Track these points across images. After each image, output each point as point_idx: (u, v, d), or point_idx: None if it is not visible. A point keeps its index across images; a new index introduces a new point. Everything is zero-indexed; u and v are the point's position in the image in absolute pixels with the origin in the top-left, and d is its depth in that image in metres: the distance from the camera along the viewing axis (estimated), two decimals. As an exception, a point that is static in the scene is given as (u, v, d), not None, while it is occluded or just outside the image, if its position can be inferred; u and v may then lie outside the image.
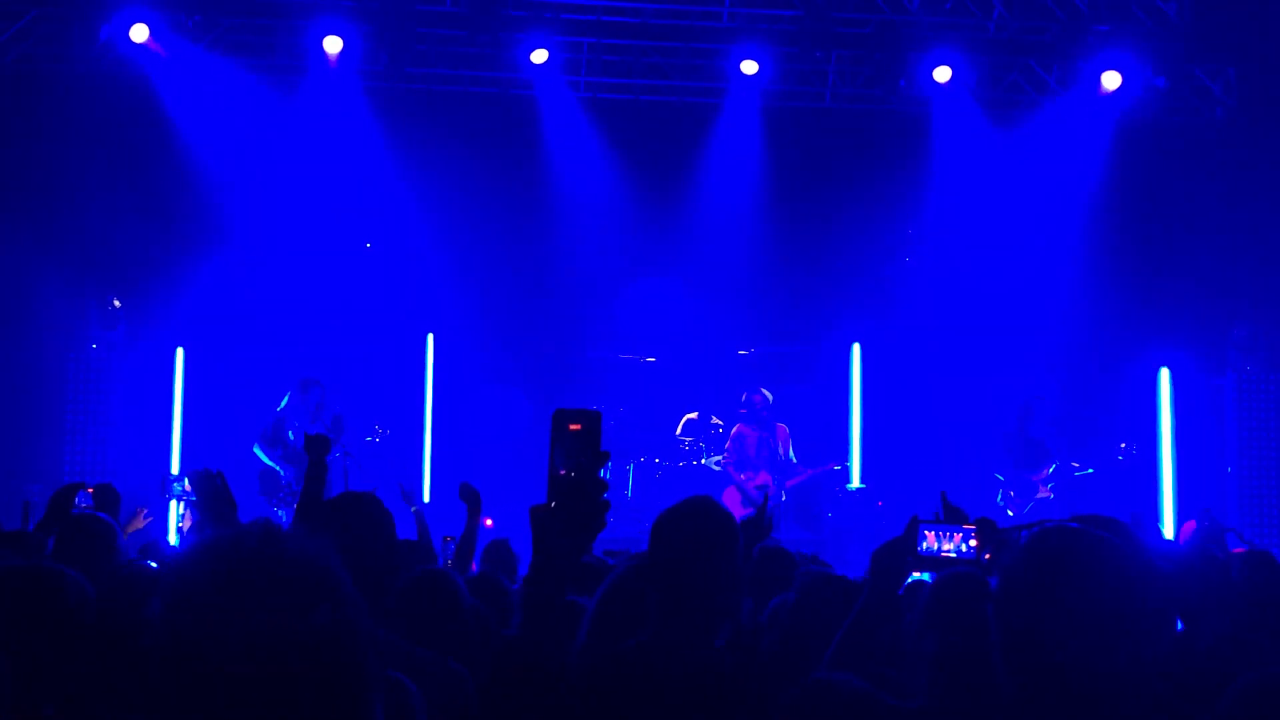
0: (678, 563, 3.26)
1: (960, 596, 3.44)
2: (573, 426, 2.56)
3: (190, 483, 4.58)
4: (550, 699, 2.46)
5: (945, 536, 3.88)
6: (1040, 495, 12.27)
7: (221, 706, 1.68)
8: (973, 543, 3.97)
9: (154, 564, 4.56)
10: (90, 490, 6.80)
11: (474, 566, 6.77)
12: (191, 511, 10.69)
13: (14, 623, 3.09)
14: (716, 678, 3.15)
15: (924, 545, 3.85)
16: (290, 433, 11.87)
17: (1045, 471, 12.29)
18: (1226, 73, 13.93)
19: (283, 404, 11.98)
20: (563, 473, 2.51)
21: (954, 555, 3.94)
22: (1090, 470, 12.41)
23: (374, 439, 12.03)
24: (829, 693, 3.04)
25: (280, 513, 11.66)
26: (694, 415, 13.72)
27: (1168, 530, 13.10)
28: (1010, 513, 12.25)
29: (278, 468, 11.84)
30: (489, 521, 12.47)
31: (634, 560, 3.82)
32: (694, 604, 3.23)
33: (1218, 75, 13.98)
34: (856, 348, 14.13)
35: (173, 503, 11.56)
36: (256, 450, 11.89)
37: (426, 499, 13.45)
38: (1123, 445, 12.54)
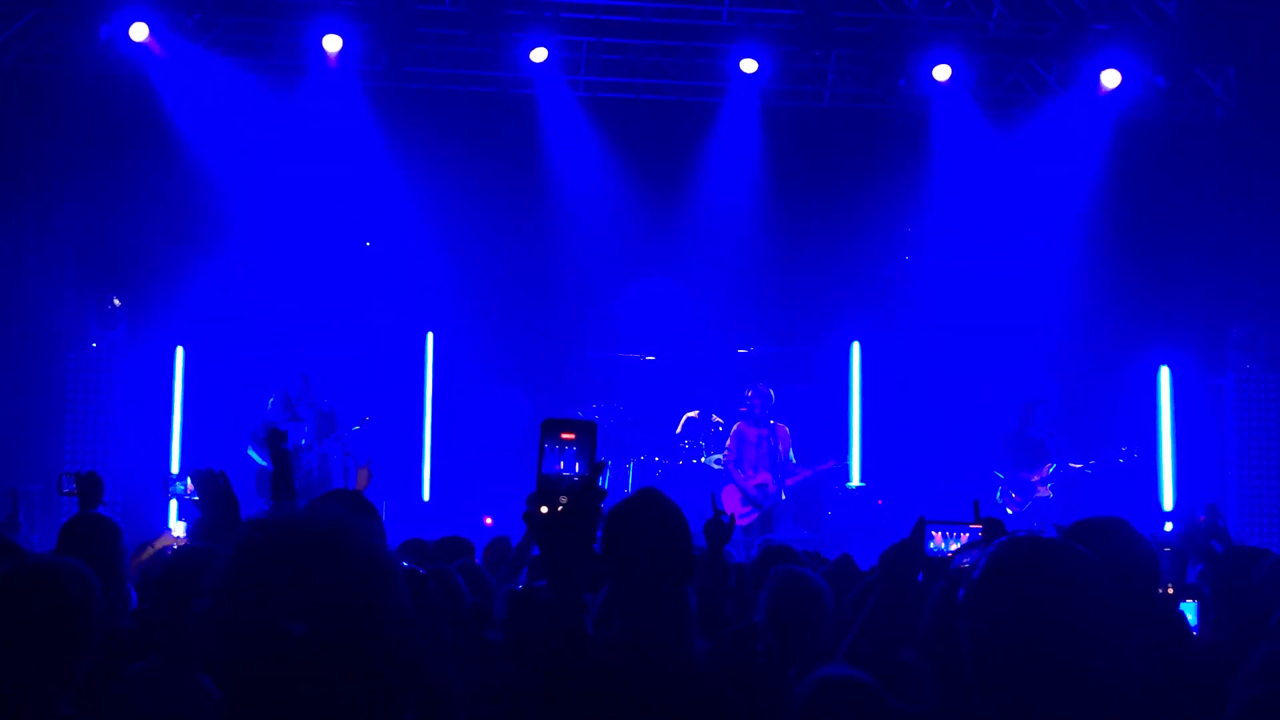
0: (631, 558, 3.24)
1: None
2: (565, 435, 2.57)
3: (193, 482, 4.57)
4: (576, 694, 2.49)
5: (952, 537, 3.89)
6: (1039, 494, 12.27)
7: (270, 674, 1.73)
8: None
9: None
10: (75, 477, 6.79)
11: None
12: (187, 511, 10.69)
13: (20, 623, 3.10)
14: (680, 673, 3.14)
15: (931, 545, 3.86)
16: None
17: (1045, 471, 12.29)
18: (1226, 72, 13.93)
19: (270, 403, 12.01)
20: (563, 487, 2.53)
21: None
22: (1090, 468, 12.40)
23: (360, 426, 12.01)
24: (838, 689, 3.04)
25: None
26: (694, 414, 13.72)
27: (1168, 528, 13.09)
28: (1010, 511, 12.26)
29: (270, 467, 11.83)
30: (489, 520, 12.49)
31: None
32: (649, 597, 3.22)
33: (1218, 75, 13.98)
34: (856, 347, 14.14)
35: (172, 501, 11.57)
36: (250, 452, 11.90)
37: (426, 497, 13.47)
38: (1124, 449, 12.53)
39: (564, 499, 2.52)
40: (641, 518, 3.29)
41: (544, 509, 2.52)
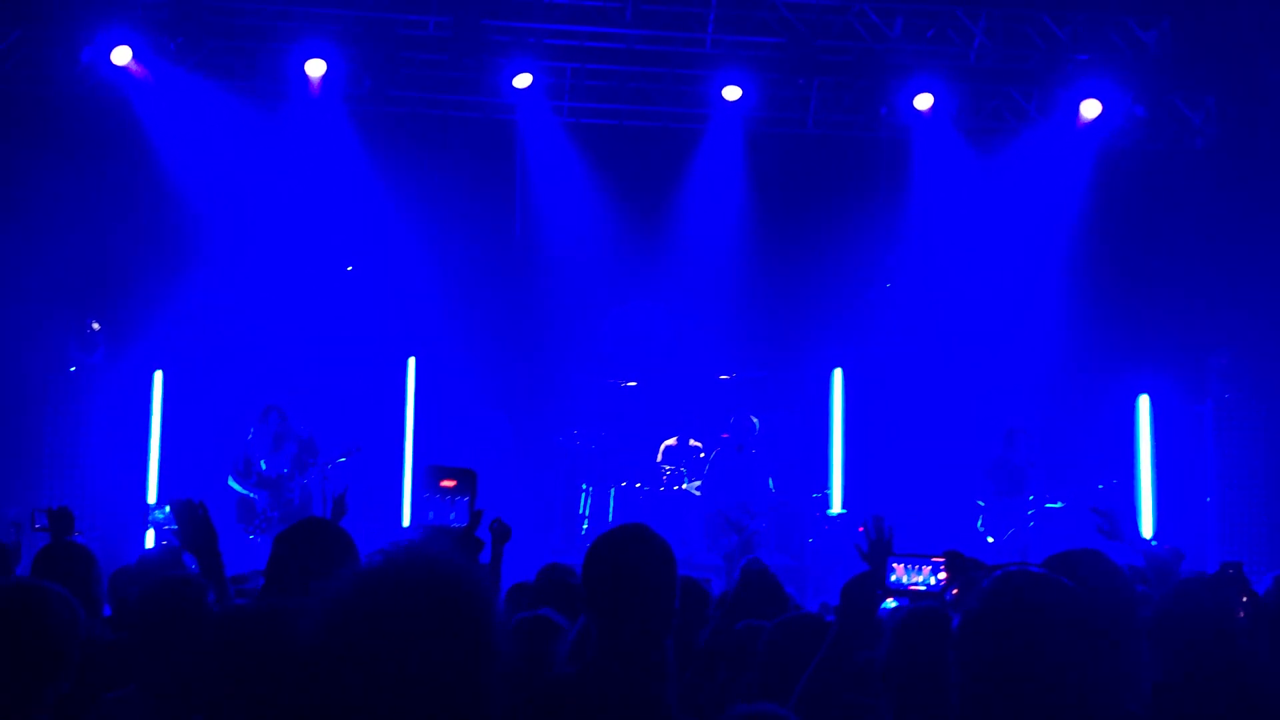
0: (612, 590, 3.22)
1: (926, 631, 3.43)
2: (446, 483, 2.56)
3: (173, 512, 4.53)
4: None
5: (914, 569, 3.89)
6: (1021, 523, 12.28)
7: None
8: (941, 575, 3.98)
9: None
10: (46, 512, 6.76)
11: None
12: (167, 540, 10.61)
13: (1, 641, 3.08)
14: (646, 708, 3.11)
15: (893, 578, 3.86)
16: (262, 462, 11.86)
17: (1026, 499, 12.31)
18: (1206, 102, 14.02)
19: (250, 435, 12.00)
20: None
21: (922, 588, 3.94)
22: (1060, 504, 12.43)
23: (345, 458, 11.98)
24: None
25: (255, 540, 11.61)
26: (674, 440, 13.72)
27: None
28: (990, 539, 12.27)
29: (252, 495, 11.81)
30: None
31: None
32: (627, 632, 3.19)
33: (1197, 105, 14.08)
34: (838, 373, 14.13)
35: (149, 530, 11.51)
36: (231, 482, 11.87)
37: (407, 523, 13.41)
38: (1100, 487, 12.54)
39: None
40: (629, 554, 3.26)
41: None
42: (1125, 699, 2.95)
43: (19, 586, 3.29)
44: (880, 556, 3.96)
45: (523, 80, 13.43)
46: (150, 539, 11.49)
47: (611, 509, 13.65)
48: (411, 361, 13.78)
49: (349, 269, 14.21)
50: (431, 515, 2.54)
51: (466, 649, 1.81)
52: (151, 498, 12.48)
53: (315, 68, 13.10)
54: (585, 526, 13.55)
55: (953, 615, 2.56)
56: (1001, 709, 2.36)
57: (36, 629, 3.12)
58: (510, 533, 6.58)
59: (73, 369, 13.19)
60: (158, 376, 13.16)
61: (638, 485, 13.49)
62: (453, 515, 2.55)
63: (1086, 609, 2.42)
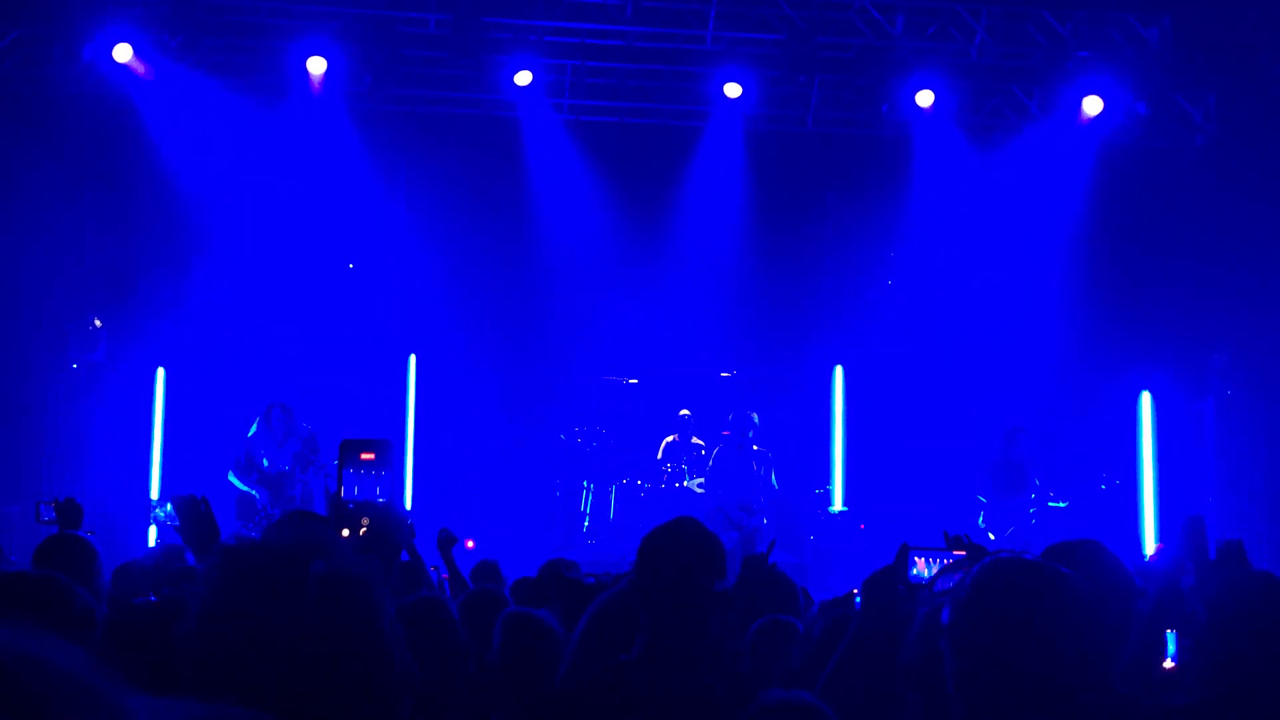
0: (662, 584, 3.24)
1: None
2: (365, 455, 2.57)
3: (174, 508, 4.52)
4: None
5: (935, 563, 3.89)
6: (1022, 521, 12.28)
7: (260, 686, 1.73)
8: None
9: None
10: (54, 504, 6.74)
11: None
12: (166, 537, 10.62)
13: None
14: (699, 704, 3.13)
15: (914, 571, 3.86)
16: (264, 459, 11.86)
17: (1028, 496, 12.31)
18: (1206, 99, 14.02)
19: (252, 431, 11.99)
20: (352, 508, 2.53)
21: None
22: (1064, 504, 12.43)
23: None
24: (784, 714, 3.01)
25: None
26: (675, 437, 13.72)
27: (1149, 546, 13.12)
28: (992, 536, 12.26)
29: (253, 492, 11.82)
30: (470, 544, 12.44)
31: (622, 583, 3.81)
32: (678, 626, 3.22)
33: (1198, 102, 14.07)
34: (839, 370, 14.14)
35: (151, 527, 11.52)
36: (231, 478, 11.87)
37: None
38: (1103, 487, 12.55)
39: (365, 522, 2.53)
40: (677, 547, 3.28)
41: (345, 533, 2.51)
42: (1116, 683, 2.96)
43: (37, 577, 3.28)
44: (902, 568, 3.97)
45: (523, 78, 13.43)
46: (153, 536, 11.50)
47: (613, 507, 13.66)
48: (412, 359, 13.79)
49: (350, 266, 14.22)
50: (357, 490, 2.55)
51: (342, 616, 1.81)
52: (154, 495, 12.49)
53: (316, 65, 13.10)
54: (586, 524, 13.56)
55: (945, 604, 2.57)
56: (993, 692, 2.37)
57: (56, 619, 3.11)
58: (455, 540, 6.66)
59: (75, 366, 13.20)
60: (160, 374, 13.17)
61: (639, 483, 13.50)
62: (378, 490, 2.56)
63: (1075, 593, 2.43)
